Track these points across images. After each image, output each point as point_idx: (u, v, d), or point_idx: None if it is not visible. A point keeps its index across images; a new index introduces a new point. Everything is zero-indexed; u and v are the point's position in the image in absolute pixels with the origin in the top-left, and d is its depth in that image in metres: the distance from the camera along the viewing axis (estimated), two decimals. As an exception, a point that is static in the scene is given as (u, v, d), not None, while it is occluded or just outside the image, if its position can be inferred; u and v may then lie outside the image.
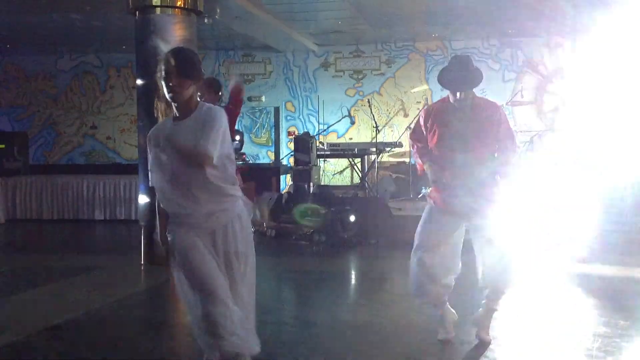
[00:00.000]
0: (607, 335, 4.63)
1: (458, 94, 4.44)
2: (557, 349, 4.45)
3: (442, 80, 4.51)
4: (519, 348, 4.51)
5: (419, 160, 4.67)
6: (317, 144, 12.33)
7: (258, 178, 12.79)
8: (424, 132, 4.61)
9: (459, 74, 4.42)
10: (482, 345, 4.45)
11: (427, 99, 13.76)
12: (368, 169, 12.44)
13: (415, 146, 4.71)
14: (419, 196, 10.81)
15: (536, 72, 14.22)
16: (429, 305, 4.64)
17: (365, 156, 12.71)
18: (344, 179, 14.38)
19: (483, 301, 4.56)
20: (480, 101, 4.54)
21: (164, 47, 6.48)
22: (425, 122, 4.59)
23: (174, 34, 7.73)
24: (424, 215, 4.60)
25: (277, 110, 15.21)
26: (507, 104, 12.57)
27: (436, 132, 4.48)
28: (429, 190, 4.72)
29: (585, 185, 9.94)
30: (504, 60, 14.22)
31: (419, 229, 4.57)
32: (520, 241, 4.78)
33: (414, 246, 4.55)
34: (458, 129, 4.41)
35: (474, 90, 4.50)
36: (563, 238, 8.18)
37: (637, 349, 4.47)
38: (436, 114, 4.55)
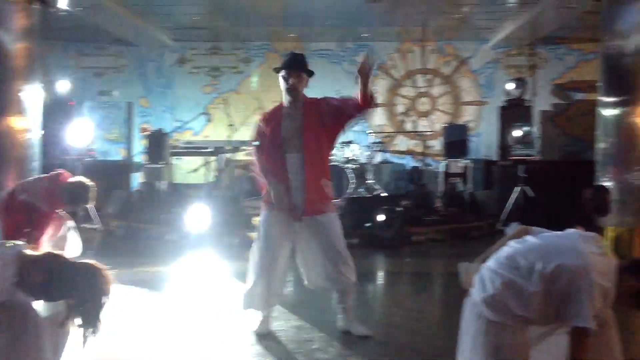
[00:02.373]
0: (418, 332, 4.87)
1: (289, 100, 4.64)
2: (398, 345, 4.63)
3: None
4: (360, 342, 4.63)
5: (262, 180, 4.77)
6: (172, 142, 12.09)
7: (108, 176, 12.34)
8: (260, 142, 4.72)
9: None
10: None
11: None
12: (223, 167, 12.35)
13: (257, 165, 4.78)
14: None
15: (389, 75, 14.74)
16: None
17: (221, 154, 12.60)
18: (199, 178, 14.18)
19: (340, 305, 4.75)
20: (310, 100, 4.74)
21: (4, 37, 6.10)
22: (260, 130, 4.74)
23: (14, 23, 7.29)
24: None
25: (130, 105, 14.72)
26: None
27: (274, 134, 4.61)
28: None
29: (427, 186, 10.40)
30: (358, 62, 14.60)
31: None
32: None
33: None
34: (291, 129, 4.60)
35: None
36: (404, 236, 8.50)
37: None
38: (269, 119, 4.72)
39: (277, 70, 4.75)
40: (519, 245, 3.04)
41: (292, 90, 4.65)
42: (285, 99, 4.71)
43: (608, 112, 7.30)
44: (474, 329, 3.01)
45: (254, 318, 4.74)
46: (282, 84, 4.68)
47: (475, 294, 3.04)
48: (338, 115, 4.57)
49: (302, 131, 4.57)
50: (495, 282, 2.97)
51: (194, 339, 4.71)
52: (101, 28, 12.58)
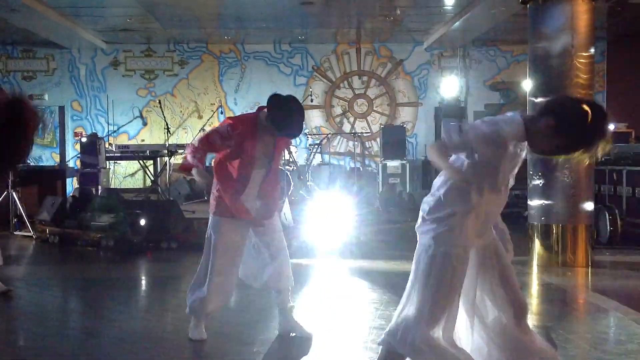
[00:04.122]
0: (381, 327, 4.95)
1: None
2: (336, 343, 4.67)
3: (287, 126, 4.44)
4: (302, 344, 4.66)
5: (195, 162, 4.57)
6: (107, 146, 11.86)
7: (41, 182, 12.03)
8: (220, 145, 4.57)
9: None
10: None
11: (220, 101, 13.81)
12: (160, 171, 12.20)
13: (198, 152, 4.61)
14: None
15: (325, 77, 14.83)
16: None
17: (158, 158, 12.45)
18: (136, 182, 13.97)
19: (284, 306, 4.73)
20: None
21: None
22: (228, 138, 4.51)
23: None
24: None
25: (62, 109, 14.39)
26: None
27: (246, 148, 4.47)
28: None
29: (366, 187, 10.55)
30: (295, 64, 14.67)
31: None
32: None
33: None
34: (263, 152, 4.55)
35: None
36: (344, 236, 8.57)
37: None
38: (244, 133, 4.50)
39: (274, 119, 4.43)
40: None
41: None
42: (263, 125, 4.49)
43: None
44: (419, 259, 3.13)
45: (192, 324, 4.66)
46: (270, 123, 4.43)
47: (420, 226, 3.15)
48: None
49: (273, 155, 4.60)
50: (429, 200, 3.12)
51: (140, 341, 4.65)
52: (30, 30, 12.25)
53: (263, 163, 4.56)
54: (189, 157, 4.60)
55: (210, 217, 4.63)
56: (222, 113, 13.23)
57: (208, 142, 4.59)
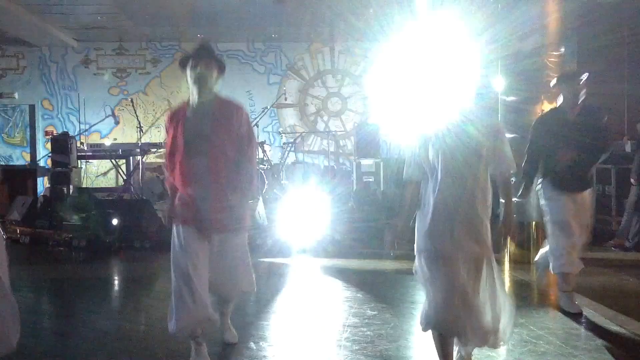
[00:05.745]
0: (355, 325, 4.97)
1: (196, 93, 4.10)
2: (310, 342, 4.68)
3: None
4: (277, 343, 4.66)
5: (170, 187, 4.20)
6: (78, 145, 11.74)
7: (12, 181, 11.88)
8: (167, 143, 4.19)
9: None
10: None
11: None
12: (133, 170, 12.10)
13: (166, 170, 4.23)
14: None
15: (298, 76, 14.82)
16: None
17: (131, 157, 12.35)
18: (109, 181, 13.84)
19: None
20: (222, 101, 4.17)
21: None
22: (168, 129, 4.17)
23: None
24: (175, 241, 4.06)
25: (32, 108, 14.21)
26: (272, 106, 12.95)
27: (177, 136, 4.05)
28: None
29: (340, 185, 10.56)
30: (268, 63, 14.64)
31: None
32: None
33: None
34: (197, 129, 4.03)
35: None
36: (318, 234, 8.59)
37: (379, 335, 4.82)
38: (172, 118, 4.15)
39: (184, 62, 4.16)
40: None
41: (201, 79, 4.05)
42: (192, 94, 4.12)
43: (509, 111, 7.60)
44: None
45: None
46: (189, 76, 4.09)
47: None
48: (240, 137, 4.10)
49: (210, 132, 3.99)
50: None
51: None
52: (-1, 28, 12.09)
53: (199, 148, 3.99)
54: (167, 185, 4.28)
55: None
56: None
57: (165, 154, 4.23)
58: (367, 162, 13.19)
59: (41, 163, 13.61)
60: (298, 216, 8.62)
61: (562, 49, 7.51)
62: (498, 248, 7.62)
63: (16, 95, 14.18)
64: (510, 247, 7.54)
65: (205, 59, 4.11)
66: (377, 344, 4.51)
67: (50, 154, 11.57)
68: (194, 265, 3.95)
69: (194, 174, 4.00)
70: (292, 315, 5.41)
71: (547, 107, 7.32)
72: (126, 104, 13.80)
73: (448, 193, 3.41)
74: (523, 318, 5.15)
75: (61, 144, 11.00)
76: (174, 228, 4.07)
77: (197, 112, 4.07)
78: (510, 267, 7.39)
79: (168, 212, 4.21)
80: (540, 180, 5.46)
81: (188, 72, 4.12)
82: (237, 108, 4.15)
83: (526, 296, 6.25)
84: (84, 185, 12.05)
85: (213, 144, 4.00)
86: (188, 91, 4.18)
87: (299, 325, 5.10)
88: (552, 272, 5.43)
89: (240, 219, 4.18)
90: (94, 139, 13.74)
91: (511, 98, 7.52)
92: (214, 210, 4.02)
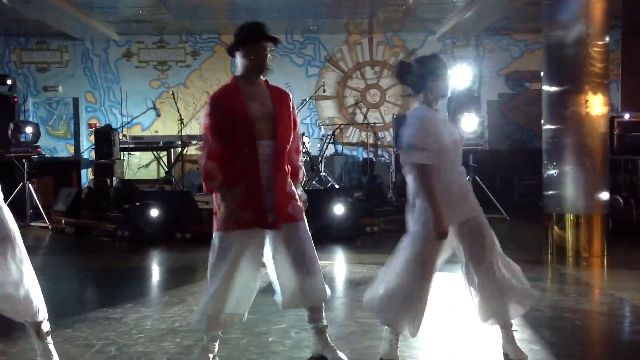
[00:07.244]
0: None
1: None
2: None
3: None
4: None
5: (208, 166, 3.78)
6: (120, 137, 11.94)
7: (56, 173, 12.14)
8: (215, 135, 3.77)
9: None
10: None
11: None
12: (174, 162, 12.26)
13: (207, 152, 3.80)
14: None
15: (337, 68, 14.81)
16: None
17: (171, 149, 12.52)
18: (150, 173, 14.02)
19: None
20: (273, 85, 3.95)
21: None
22: (215, 114, 3.77)
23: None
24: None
25: (76, 101, 14.47)
26: (310, 98, 12.96)
27: (235, 119, 3.73)
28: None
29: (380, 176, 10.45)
30: (307, 55, 14.64)
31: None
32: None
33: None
34: (261, 111, 3.79)
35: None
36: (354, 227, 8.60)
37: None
38: (227, 98, 3.80)
39: (242, 41, 3.81)
40: None
41: (262, 67, 3.81)
42: (243, 77, 3.84)
43: (552, 101, 7.48)
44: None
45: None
46: (243, 59, 3.80)
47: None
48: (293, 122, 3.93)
49: (274, 115, 3.77)
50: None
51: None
52: (43, 22, 12.30)
53: (266, 129, 3.77)
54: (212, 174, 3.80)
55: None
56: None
57: (206, 134, 3.82)
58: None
59: (85, 155, 13.86)
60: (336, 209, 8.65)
61: (607, 39, 7.36)
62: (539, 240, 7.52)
63: (60, 88, 14.44)
64: (552, 239, 7.42)
65: (265, 39, 3.84)
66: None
67: (93, 146, 11.77)
68: (233, 271, 3.77)
69: (260, 155, 3.74)
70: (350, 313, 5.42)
71: (591, 97, 7.19)
72: (167, 97, 13.94)
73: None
74: (566, 312, 5.06)
75: (104, 136, 11.20)
76: (220, 234, 3.84)
77: (255, 94, 3.82)
78: (552, 260, 7.29)
79: (225, 217, 3.77)
80: None
81: (241, 57, 3.83)
82: (287, 93, 3.98)
83: (569, 290, 6.16)
84: (126, 177, 12.25)
85: (280, 125, 3.80)
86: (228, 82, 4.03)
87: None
88: None
89: (302, 209, 3.97)
90: (136, 131, 13.93)
91: (554, 88, 7.40)
92: (280, 197, 3.81)
